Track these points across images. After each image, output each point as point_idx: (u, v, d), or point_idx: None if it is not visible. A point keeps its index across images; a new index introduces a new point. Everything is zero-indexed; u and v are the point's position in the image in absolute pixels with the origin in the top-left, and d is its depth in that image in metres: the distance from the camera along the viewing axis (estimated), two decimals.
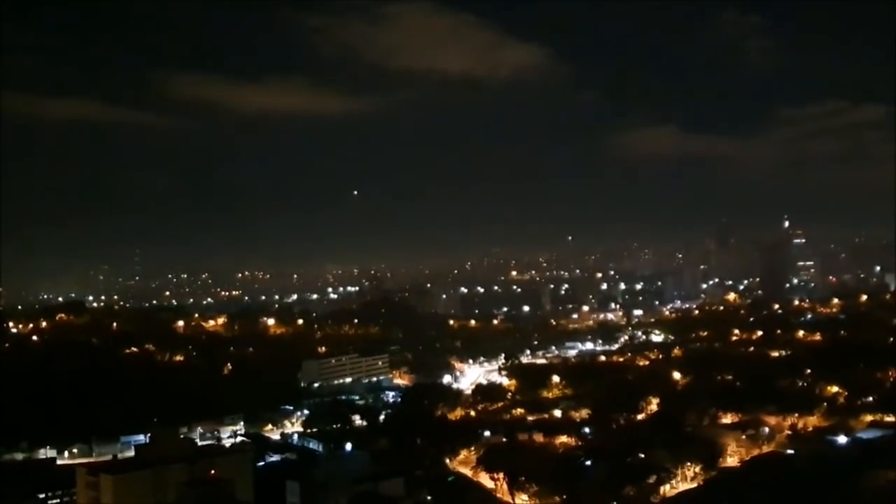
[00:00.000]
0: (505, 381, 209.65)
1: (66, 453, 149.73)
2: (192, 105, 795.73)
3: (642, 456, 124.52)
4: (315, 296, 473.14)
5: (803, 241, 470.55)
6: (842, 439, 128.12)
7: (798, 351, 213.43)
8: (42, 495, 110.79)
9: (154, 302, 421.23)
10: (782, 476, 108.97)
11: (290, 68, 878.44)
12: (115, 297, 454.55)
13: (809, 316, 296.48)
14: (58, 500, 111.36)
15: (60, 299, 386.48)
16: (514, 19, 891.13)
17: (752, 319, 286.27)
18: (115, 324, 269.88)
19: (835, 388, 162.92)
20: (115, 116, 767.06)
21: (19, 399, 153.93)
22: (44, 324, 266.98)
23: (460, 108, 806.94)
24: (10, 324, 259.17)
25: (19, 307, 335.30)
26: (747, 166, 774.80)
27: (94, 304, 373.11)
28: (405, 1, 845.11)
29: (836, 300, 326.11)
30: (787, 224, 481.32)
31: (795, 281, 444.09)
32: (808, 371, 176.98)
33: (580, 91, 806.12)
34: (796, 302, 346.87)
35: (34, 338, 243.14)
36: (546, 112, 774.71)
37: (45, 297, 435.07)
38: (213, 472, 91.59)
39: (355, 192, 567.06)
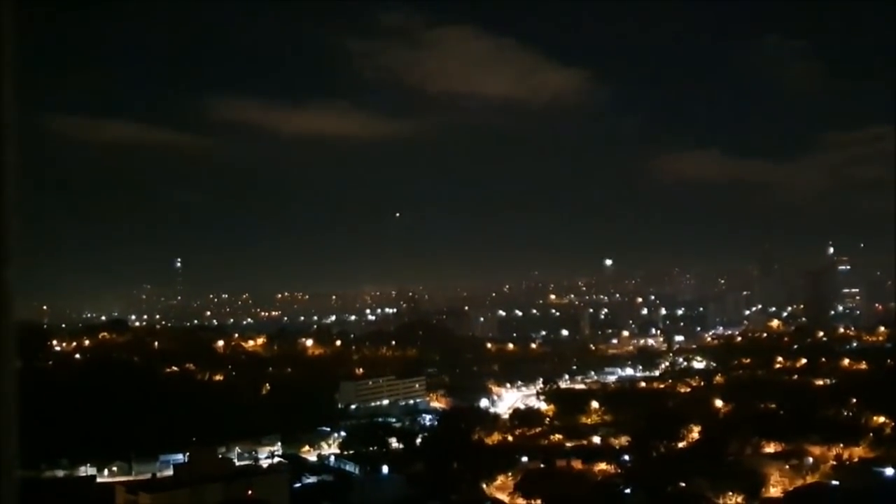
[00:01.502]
0: (543, 406, 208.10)
1: (106, 471, 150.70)
2: (235, 127, 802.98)
3: (682, 485, 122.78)
4: (353, 317, 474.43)
5: (848, 268, 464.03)
6: (889, 471, 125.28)
7: (843, 380, 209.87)
8: None
9: (195, 321, 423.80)
10: None
11: (332, 92, 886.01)
12: (157, 316, 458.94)
13: (855, 344, 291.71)
14: None
15: (103, 318, 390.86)
16: (555, 43, 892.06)
17: (795, 347, 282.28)
18: (156, 342, 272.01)
19: (881, 419, 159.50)
20: (158, 138, 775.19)
21: (61, 416, 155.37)
22: (86, 342, 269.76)
23: (500, 132, 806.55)
24: (54, 342, 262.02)
25: (63, 325, 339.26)
26: (791, 191, 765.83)
27: (137, 323, 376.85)
28: (447, 25, 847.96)
29: (882, 328, 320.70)
30: (831, 251, 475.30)
31: (840, 308, 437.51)
32: (854, 400, 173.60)
33: (621, 114, 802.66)
34: (841, 330, 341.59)
35: (76, 356, 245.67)
36: (586, 135, 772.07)
37: (89, 315, 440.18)
38: (250, 492, 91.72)
39: (398, 215, 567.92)
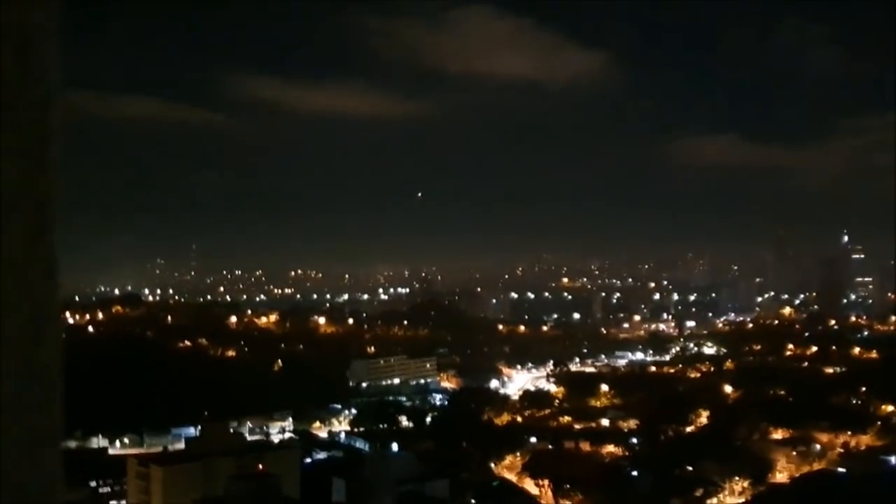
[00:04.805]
0: (553, 388, 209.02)
1: (118, 443, 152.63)
2: (251, 105, 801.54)
3: (690, 468, 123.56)
4: (366, 296, 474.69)
5: (862, 256, 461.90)
6: (895, 459, 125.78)
7: (853, 368, 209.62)
8: (93, 483, 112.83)
9: (208, 297, 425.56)
10: (832, 494, 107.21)
11: (349, 70, 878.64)
12: (171, 291, 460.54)
13: (866, 333, 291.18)
14: (108, 489, 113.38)
15: (117, 292, 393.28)
16: (574, 24, 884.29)
17: (807, 334, 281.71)
18: (169, 317, 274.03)
19: (890, 408, 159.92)
20: (175, 114, 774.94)
21: (74, 388, 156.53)
22: (100, 315, 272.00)
23: (517, 113, 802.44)
24: (67, 314, 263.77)
25: (76, 298, 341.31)
26: (808, 177, 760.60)
27: (150, 298, 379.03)
28: (466, 5, 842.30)
29: (894, 318, 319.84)
30: (846, 238, 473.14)
31: (853, 297, 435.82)
32: (863, 389, 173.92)
33: (640, 97, 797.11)
34: (853, 318, 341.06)
35: (90, 328, 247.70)
36: (604, 118, 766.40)
37: (103, 289, 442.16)
38: (260, 466, 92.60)
39: (420, 195, 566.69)
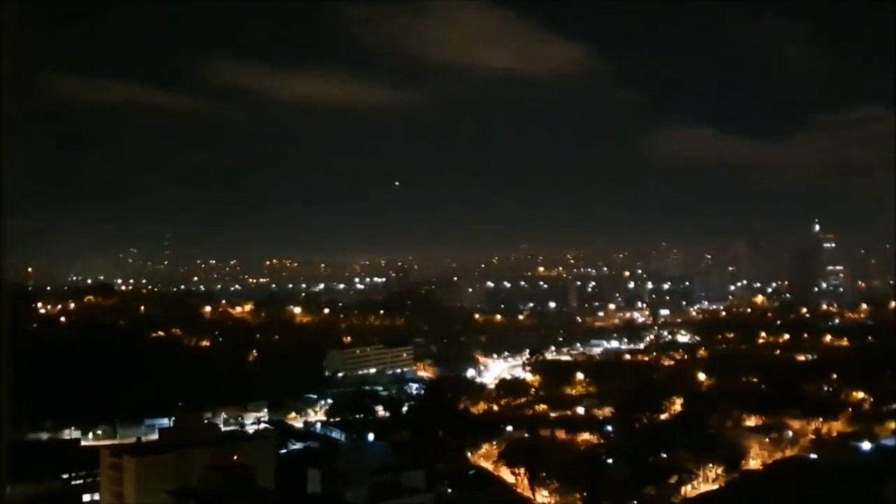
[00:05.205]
0: (529, 376, 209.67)
1: (91, 434, 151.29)
2: (231, 91, 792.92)
3: (664, 456, 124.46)
4: (342, 285, 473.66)
5: (833, 245, 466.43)
6: (866, 445, 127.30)
7: (824, 356, 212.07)
8: (65, 475, 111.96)
9: (182, 287, 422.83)
10: (804, 480, 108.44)
11: (332, 58, 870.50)
12: (144, 280, 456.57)
13: (837, 321, 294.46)
14: (81, 481, 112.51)
15: (89, 281, 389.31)
16: (556, 16, 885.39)
17: (779, 323, 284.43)
18: (142, 307, 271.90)
19: (860, 394, 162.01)
20: (152, 100, 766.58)
21: (45, 379, 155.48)
22: (72, 305, 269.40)
23: (497, 104, 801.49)
24: (39, 304, 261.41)
25: (48, 288, 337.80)
26: (782, 170, 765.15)
27: (123, 287, 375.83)
28: None
29: (864, 306, 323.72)
30: (817, 228, 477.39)
31: (824, 285, 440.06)
32: (834, 376, 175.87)
33: (618, 90, 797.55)
34: (824, 306, 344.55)
35: (62, 318, 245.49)
36: (582, 110, 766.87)
37: (75, 278, 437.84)
38: (235, 457, 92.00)
39: (397, 183, 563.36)
